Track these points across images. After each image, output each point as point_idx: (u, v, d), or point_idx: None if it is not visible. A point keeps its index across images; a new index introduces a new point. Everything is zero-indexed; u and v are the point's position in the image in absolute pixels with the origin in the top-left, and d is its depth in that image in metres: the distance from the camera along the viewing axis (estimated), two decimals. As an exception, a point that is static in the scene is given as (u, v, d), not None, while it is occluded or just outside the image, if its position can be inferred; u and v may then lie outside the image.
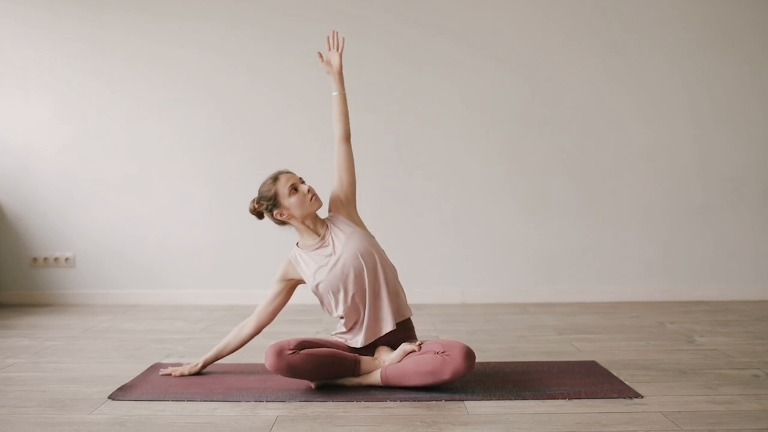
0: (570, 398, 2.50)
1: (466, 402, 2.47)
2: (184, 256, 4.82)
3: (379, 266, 2.69)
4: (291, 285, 2.85)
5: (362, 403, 2.47)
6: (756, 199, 4.83)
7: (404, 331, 2.75)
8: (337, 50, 3.03)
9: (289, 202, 2.74)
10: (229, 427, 2.24)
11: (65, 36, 4.81)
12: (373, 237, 2.79)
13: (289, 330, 3.83)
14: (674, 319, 4.08)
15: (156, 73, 4.82)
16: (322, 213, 2.88)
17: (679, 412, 2.35)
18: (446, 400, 2.48)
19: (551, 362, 3.02)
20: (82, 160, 4.83)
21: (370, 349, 2.72)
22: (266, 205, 2.79)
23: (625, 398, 2.50)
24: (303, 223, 2.78)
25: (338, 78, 2.97)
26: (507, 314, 4.33)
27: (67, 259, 4.83)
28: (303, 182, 2.80)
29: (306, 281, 2.77)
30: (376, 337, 2.70)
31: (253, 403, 2.49)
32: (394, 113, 4.82)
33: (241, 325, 2.88)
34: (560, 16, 4.82)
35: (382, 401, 2.48)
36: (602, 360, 3.07)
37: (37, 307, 4.66)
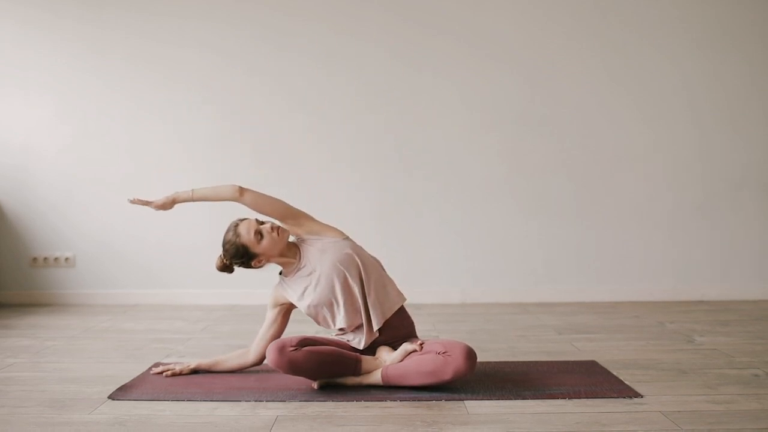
0: (570, 398, 2.50)
1: (466, 402, 2.47)
2: (184, 255, 4.82)
3: (360, 266, 2.70)
4: (285, 309, 2.86)
5: (362, 402, 2.47)
6: (756, 198, 4.83)
7: (400, 319, 2.76)
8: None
9: (262, 247, 2.73)
10: (229, 427, 2.24)
11: (65, 36, 4.81)
12: (345, 238, 2.78)
13: (289, 329, 3.81)
14: (674, 319, 4.08)
15: (156, 72, 4.82)
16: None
17: (679, 411, 2.35)
18: (446, 400, 2.48)
19: (551, 362, 3.02)
20: (82, 160, 4.83)
21: (371, 348, 2.73)
22: (241, 262, 2.79)
23: (625, 398, 2.50)
24: (280, 256, 2.78)
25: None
26: (507, 314, 4.33)
27: (67, 259, 4.83)
28: (261, 222, 2.76)
29: (296, 305, 2.79)
30: (374, 337, 2.69)
31: (253, 402, 2.49)
32: (394, 113, 4.82)
33: (244, 351, 2.90)
34: (560, 16, 4.82)
35: (382, 401, 2.48)
36: (602, 360, 3.07)
37: (37, 307, 4.66)
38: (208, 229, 4.84)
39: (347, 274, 2.68)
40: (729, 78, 4.82)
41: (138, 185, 4.83)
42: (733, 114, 4.83)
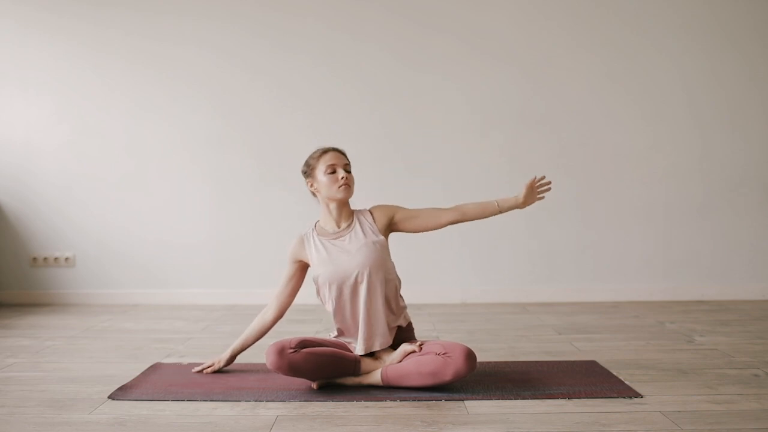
0: (570, 398, 2.50)
1: (466, 402, 2.47)
2: (184, 255, 4.82)
3: (380, 282, 2.64)
4: (302, 266, 2.82)
5: (362, 402, 2.47)
6: (756, 198, 4.83)
7: (404, 332, 2.75)
8: (539, 196, 2.79)
9: (321, 178, 2.71)
10: (229, 427, 2.24)
11: (64, 34, 4.81)
12: (388, 252, 2.73)
13: (289, 330, 3.83)
14: (674, 319, 4.08)
15: (155, 70, 4.82)
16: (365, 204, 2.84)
17: (679, 411, 2.35)
18: (446, 400, 2.48)
19: (551, 362, 3.02)
20: (82, 158, 4.83)
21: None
22: (304, 170, 2.78)
23: (625, 398, 2.50)
24: (327, 205, 2.75)
25: (511, 208, 2.79)
26: (507, 314, 4.33)
27: (67, 258, 4.83)
28: (346, 169, 2.71)
29: (310, 265, 2.76)
30: (372, 350, 2.67)
31: (253, 402, 2.49)
32: (395, 112, 4.82)
33: (262, 313, 2.88)
34: (560, 16, 4.82)
35: (382, 401, 2.48)
36: (602, 360, 3.07)
37: (37, 307, 4.66)
38: (208, 227, 4.85)
39: (366, 279, 2.63)
40: (729, 78, 4.82)
41: (137, 184, 4.84)
42: (733, 114, 4.83)
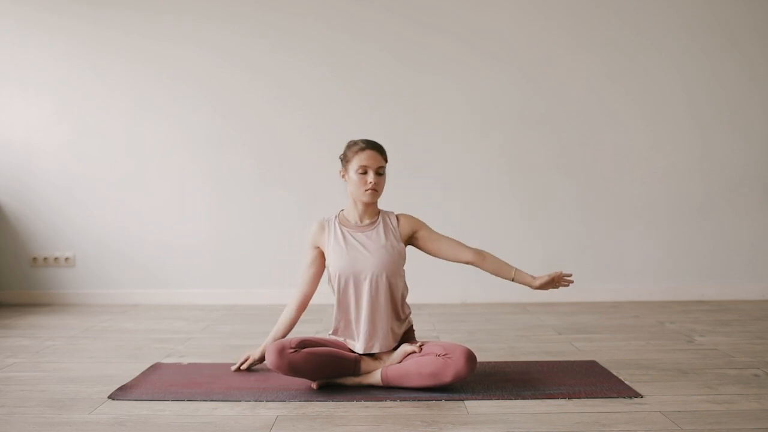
0: (570, 398, 2.50)
1: (466, 402, 2.47)
2: (184, 255, 4.82)
3: (389, 286, 2.65)
4: (321, 252, 2.80)
5: (362, 402, 2.47)
6: (756, 198, 4.83)
7: (405, 333, 2.76)
8: (556, 286, 2.79)
9: (352, 176, 2.69)
10: (229, 427, 2.24)
11: (64, 34, 4.81)
12: (404, 260, 2.73)
13: (289, 330, 3.83)
14: (674, 319, 4.08)
15: (155, 70, 4.81)
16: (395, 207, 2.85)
17: (679, 411, 2.35)
18: (446, 400, 2.48)
19: (551, 362, 3.02)
20: (82, 158, 4.83)
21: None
22: (341, 157, 2.77)
23: (625, 398, 2.50)
24: (354, 200, 2.74)
25: (524, 284, 2.79)
26: (507, 314, 4.33)
27: (67, 258, 4.83)
28: (379, 172, 2.69)
29: (325, 252, 2.75)
30: (372, 351, 2.68)
31: (253, 402, 2.49)
32: (395, 112, 4.82)
33: (288, 306, 2.88)
34: (560, 16, 4.82)
35: (382, 401, 2.48)
36: (602, 360, 3.07)
37: (37, 307, 4.66)
38: (208, 227, 4.85)
39: (376, 281, 2.63)
40: (729, 78, 4.82)
41: (137, 184, 4.84)
42: (733, 114, 4.83)
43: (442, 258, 2.79)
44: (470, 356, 2.52)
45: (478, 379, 2.70)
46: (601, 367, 2.91)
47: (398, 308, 2.70)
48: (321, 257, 2.81)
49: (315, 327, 3.94)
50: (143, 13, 4.79)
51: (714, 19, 4.81)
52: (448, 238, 2.78)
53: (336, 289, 2.70)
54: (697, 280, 4.82)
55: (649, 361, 3.06)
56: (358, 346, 2.68)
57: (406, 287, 2.76)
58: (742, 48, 4.81)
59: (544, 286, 2.74)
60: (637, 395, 2.52)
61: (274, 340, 2.81)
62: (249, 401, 2.50)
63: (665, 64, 4.82)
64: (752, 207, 4.83)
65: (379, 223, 2.75)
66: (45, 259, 4.84)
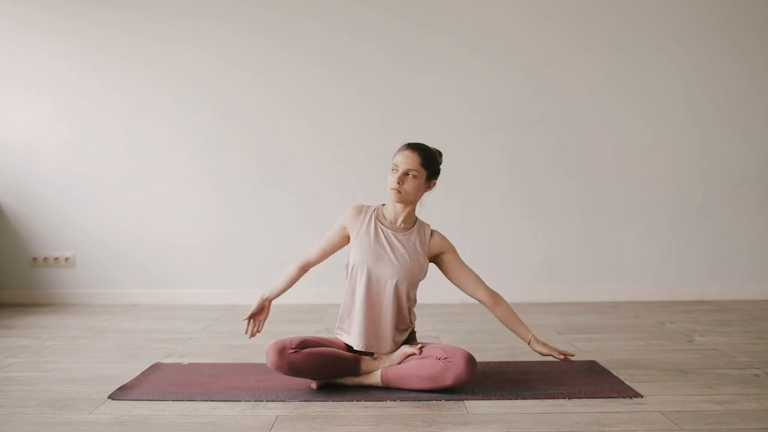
0: (570, 398, 2.50)
1: (466, 402, 2.47)
2: (184, 255, 4.82)
3: (398, 295, 2.65)
4: (346, 237, 2.76)
5: (362, 402, 2.47)
6: (756, 198, 4.83)
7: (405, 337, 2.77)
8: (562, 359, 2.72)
9: (389, 173, 2.68)
10: (229, 427, 2.24)
11: (64, 34, 4.81)
12: (423, 276, 2.72)
13: (289, 329, 3.84)
14: (674, 319, 4.08)
15: (155, 70, 4.81)
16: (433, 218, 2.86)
17: (679, 411, 2.35)
18: (446, 400, 2.48)
19: (551, 362, 3.02)
20: (82, 158, 4.82)
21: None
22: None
23: (625, 398, 2.50)
24: (396, 199, 2.69)
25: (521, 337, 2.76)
26: (507, 314, 4.32)
27: (67, 258, 4.83)
28: (407, 173, 2.64)
29: (351, 238, 2.73)
30: (368, 350, 2.67)
31: (253, 402, 2.49)
32: (395, 112, 4.82)
33: (290, 265, 2.83)
34: (560, 16, 4.82)
35: (382, 401, 2.48)
36: (602, 360, 3.07)
37: (37, 307, 4.66)
38: (208, 227, 4.85)
39: (390, 287, 2.63)
40: (729, 78, 4.82)
41: (137, 184, 4.84)
42: (733, 114, 4.83)
43: (459, 288, 2.78)
44: (470, 360, 2.52)
45: (478, 379, 2.70)
46: (601, 367, 2.91)
47: (404, 317, 2.70)
48: (342, 239, 2.77)
49: (315, 327, 3.95)
50: (143, 13, 4.79)
51: (714, 19, 4.81)
52: (471, 271, 2.77)
53: (349, 278, 2.69)
54: (697, 280, 4.82)
55: (649, 361, 3.05)
56: (353, 341, 2.67)
57: (415, 300, 2.76)
58: (742, 48, 4.81)
59: (541, 352, 2.69)
60: (637, 395, 2.52)
61: (271, 293, 2.81)
62: (249, 401, 2.50)
63: (665, 64, 4.82)
64: (752, 207, 4.83)
65: (413, 232, 2.72)
66: (45, 259, 4.84)
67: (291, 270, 2.83)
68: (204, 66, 4.81)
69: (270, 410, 2.41)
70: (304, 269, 2.83)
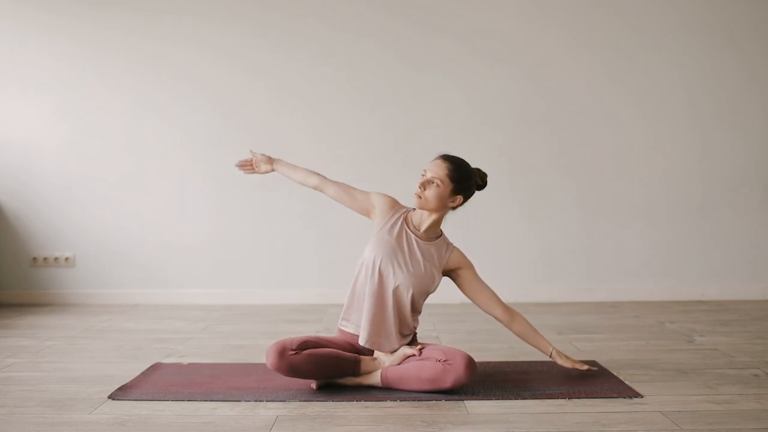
0: (570, 398, 2.50)
1: (466, 402, 2.47)
2: (184, 255, 4.82)
3: (401, 301, 2.65)
4: (368, 210, 2.79)
5: (362, 402, 2.47)
6: (756, 198, 4.83)
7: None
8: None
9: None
10: (229, 427, 2.24)
11: (64, 34, 4.80)
12: (433, 289, 2.73)
13: (289, 329, 3.84)
14: (674, 319, 4.08)
15: (155, 70, 4.81)
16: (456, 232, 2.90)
17: (679, 411, 2.35)
18: (446, 400, 2.48)
19: (551, 362, 3.01)
20: (82, 158, 4.82)
21: (369, 348, 2.72)
22: None
23: (625, 398, 2.50)
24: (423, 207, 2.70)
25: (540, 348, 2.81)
26: (507, 314, 4.33)
27: (67, 258, 4.83)
28: (432, 181, 2.66)
29: (375, 225, 2.75)
30: (374, 348, 2.67)
31: (253, 402, 2.49)
32: (395, 112, 4.82)
33: (312, 172, 2.90)
34: (560, 16, 4.82)
35: (382, 401, 2.48)
36: (602, 360, 3.07)
37: (37, 307, 4.66)
38: (208, 227, 4.85)
39: (398, 295, 2.64)
40: (729, 78, 4.82)
41: (137, 184, 4.84)
42: (733, 114, 4.83)
43: (475, 303, 2.80)
44: (470, 363, 2.52)
45: (478, 379, 2.70)
46: (601, 367, 2.91)
47: (407, 322, 2.70)
48: (362, 206, 2.80)
49: (315, 327, 3.95)
50: (143, 13, 4.79)
51: (714, 19, 4.81)
52: (488, 288, 2.79)
53: (360, 269, 2.70)
54: (697, 280, 4.82)
55: (649, 361, 3.06)
56: (359, 334, 2.68)
57: (420, 310, 2.76)
58: (742, 48, 4.81)
59: (563, 364, 2.75)
60: (637, 395, 2.52)
61: (281, 161, 2.96)
62: (249, 401, 2.50)
63: (665, 64, 4.82)
64: (752, 207, 4.83)
65: (434, 243, 2.74)
66: (45, 259, 4.84)
67: (309, 171, 2.90)
68: (204, 66, 4.81)
69: (270, 410, 2.41)
70: (316, 182, 2.87)
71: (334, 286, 4.70)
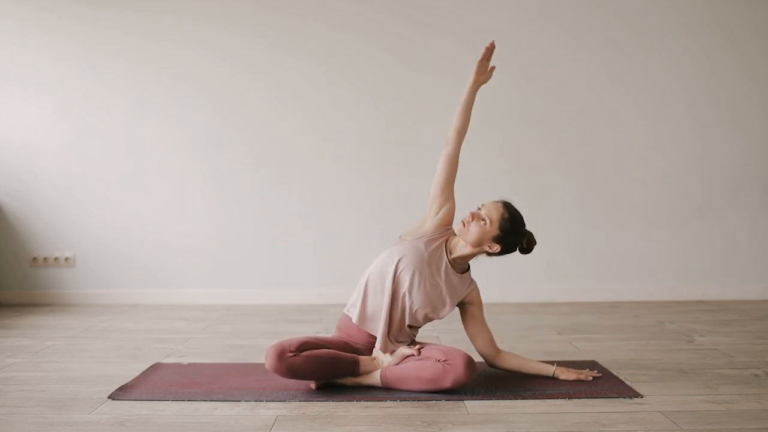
0: (570, 398, 2.50)
1: (466, 402, 2.47)
2: (184, 255, 4.82)
3: (409, 317, 2.68)
4: (442, 198, 2.94)
5: (362, 402, 2.47)
6: (756, 198, 4.83)
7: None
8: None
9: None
10: (229, 427, 2.24)
11: (64, 34, 4.81)
12: (445, 314, 2.75)
13: (289, 330, 3.84)
14: (674, 319, 4.08)
15: (155, 70, 4.81)
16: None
17: (679, 411, 2.35)
18: (446, 400, 2.48)
19: (551, 362, 3.01)
20: (82, 158, 4.83)
21: (368, 348, 2.73)
22: None
23: (625, 398, 2.50)
24: (464, 242, 2.74)
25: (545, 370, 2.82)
26: (507, 314, 4.33)
27: (67, 258, 4.83)
28: (482, 218, 2.77)
29: (421, 224, 2.81)
30: (364, 329, 2.70)
31: (253, 402, 2.49)
32: (395, 112, 4.82)
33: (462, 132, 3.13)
34: (560, 16, 4.82)
35: (382, 401, 2.48)
36: (602, 360, 3.07)
37: (37, 307, 4.66)
38: (208, 227, 4.85)
39: (406, 310, 2.67)
40: (729, 78, 4.82)
41: (137, 184, 4.84)
42: (733, 114, 4.83)
43: (472, 340, 2.81)
44: (470, 363, 2.52)
45: (478, 379, 2.70)
46: (601, 367, 2.91)
47: (399, 327, 2.71)
48: (442, 196, 2.94)
49: (315, 327, 3.95)
50: (143, 13, 4.79)
51: (714, 19, 4.81)
52: (488, 330, 2.81)
53: (382, 270, 2.69)
54: (697, 280, 4.82)
55: (649, 361, 3.06)
56: (354, 314, 2.71)
57: (417, 327, 2.78)
58: (742, 48, 4.81)
59: (565, 377, 2.74)
60: (637, 395, 2.52)
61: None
62: (249, 401, 2.50)
63: (665, 64, 4.82)
64: (752, 207, 4.83)
65: (460, 277, 2.77)
66: (45, 259, 4.84)
67: (463, 129, 3.18)
68: (204, 66, 4.81)
69: (270, 410, 2.41)
70: (455, 140, 3.13)
71: (334, 286, 4.71)
